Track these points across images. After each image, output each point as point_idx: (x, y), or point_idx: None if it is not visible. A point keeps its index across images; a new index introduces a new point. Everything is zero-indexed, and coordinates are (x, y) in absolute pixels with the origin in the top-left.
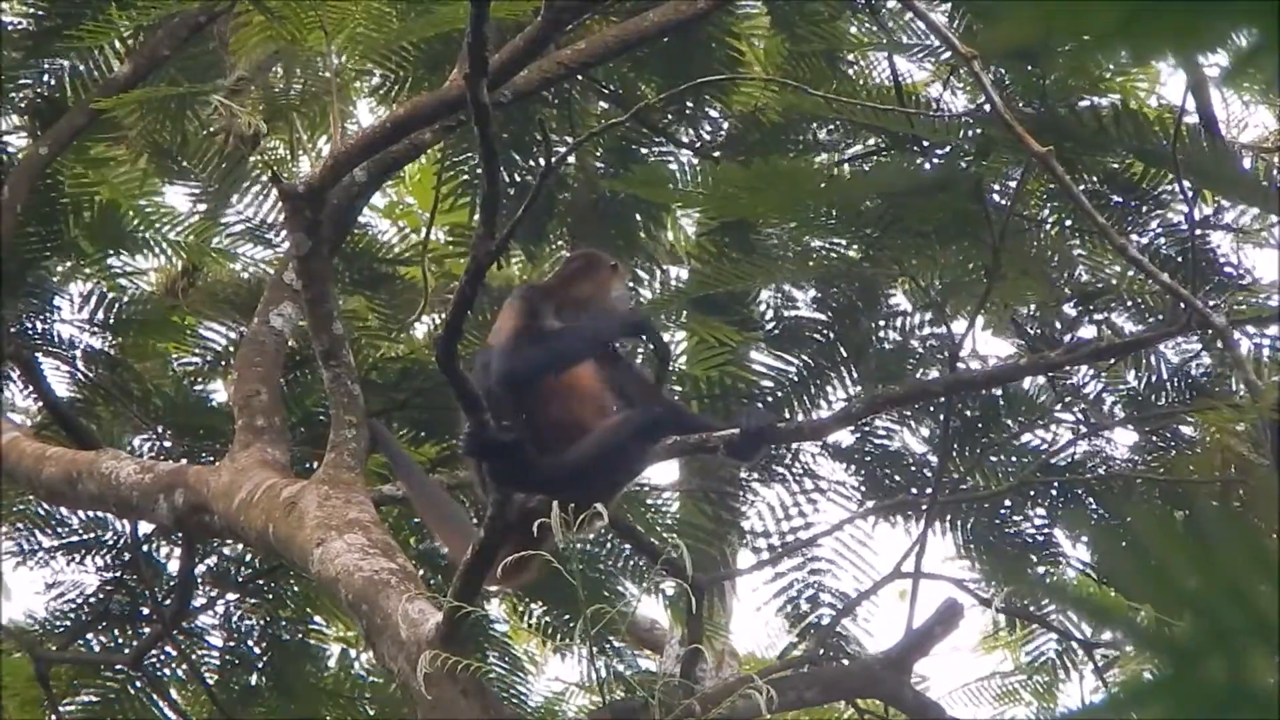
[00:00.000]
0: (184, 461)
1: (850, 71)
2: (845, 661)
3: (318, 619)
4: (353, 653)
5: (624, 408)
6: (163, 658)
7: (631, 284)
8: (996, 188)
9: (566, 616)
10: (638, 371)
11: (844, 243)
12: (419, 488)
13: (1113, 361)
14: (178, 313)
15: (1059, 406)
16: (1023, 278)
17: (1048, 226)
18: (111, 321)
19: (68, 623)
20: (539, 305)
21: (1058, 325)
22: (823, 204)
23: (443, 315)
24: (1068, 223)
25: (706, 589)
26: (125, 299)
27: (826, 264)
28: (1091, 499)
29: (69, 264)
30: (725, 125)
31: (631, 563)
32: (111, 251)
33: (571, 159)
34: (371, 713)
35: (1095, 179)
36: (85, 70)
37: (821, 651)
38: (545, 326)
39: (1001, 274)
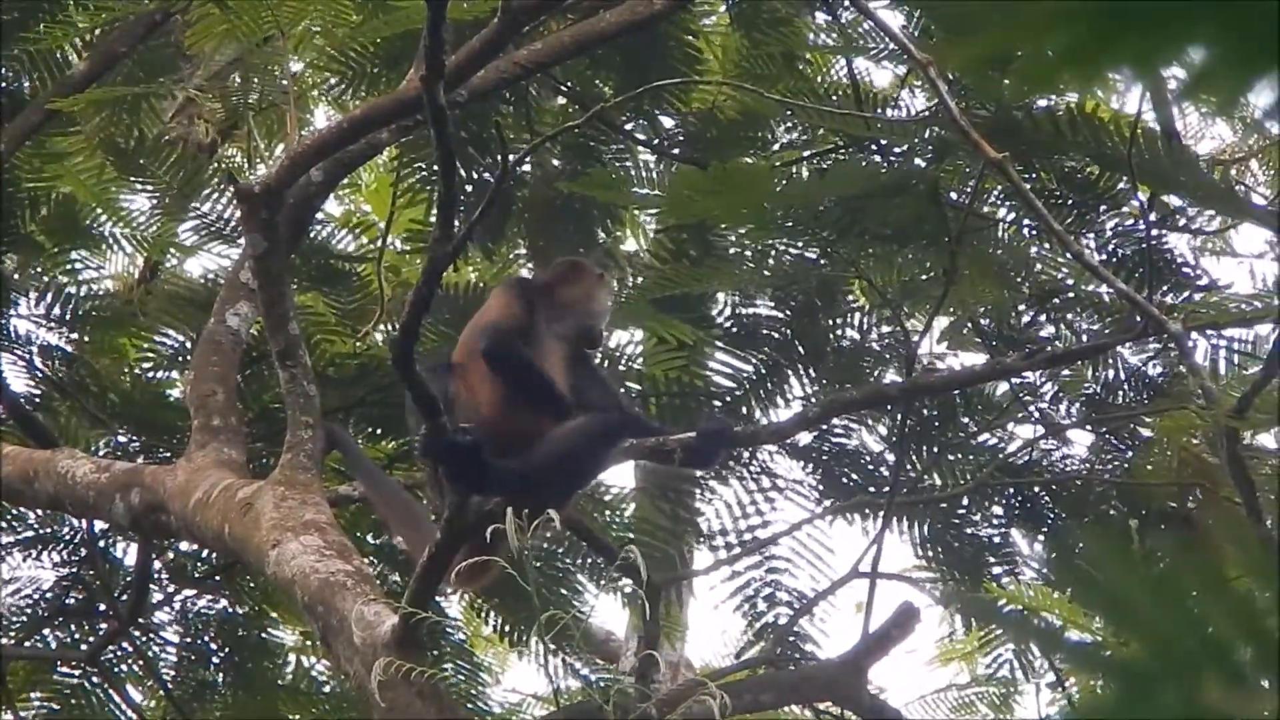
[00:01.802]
0: (141, 459)
1: (809, 71)
2: (802, 664)
3: (275, 616)
4: (307, 660)
5: (584, 412)
6: (119, 654)
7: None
8: (954, 189)
9: (525, 616)
10: (600, 376)
11: (801, 244)
12: (377, 487)
13: (1069, 366)
14: (134, 316)
15: (1017, 407)
16: (980, 279)
17: (1005, 228)
18: (69, 318)
19: (24, 619)
20: (529, 299)
21: (1015, 326)
22: (780, 205)
23: (399, 319)
24: (1025, 224)
25: (664, 589)
26: (83, 295)
27: (784, 266)
28: (1049, 500)
29: (26, 259)
30: (683, 124)
31: (589, 560)
32: (70, 246)
33: (529, 158)
34: (329, 710)
35: (1051, 180)
36: (43, 67)
37: (779, 652)
38: (532, 321)
39: (959, 275)
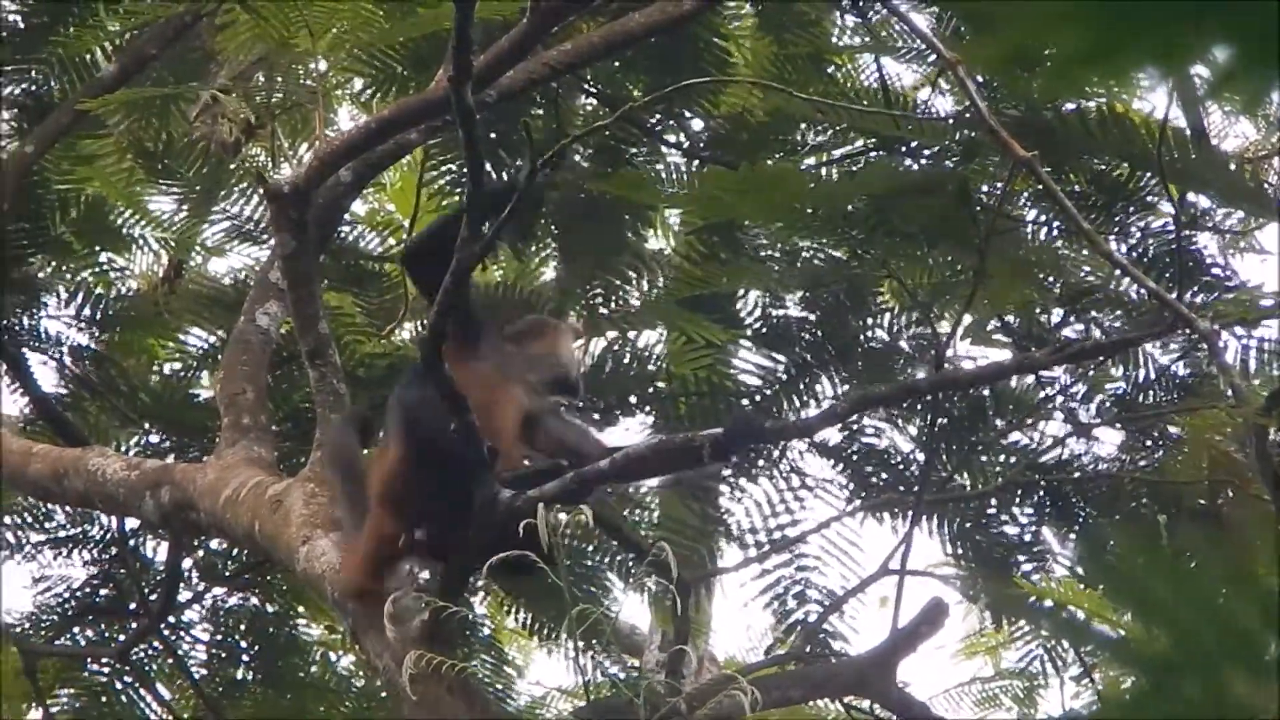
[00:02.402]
0: (171, 458)
1: (837, 74)
2: (831, 660)
3: (304, 613)
4: (335, 656)
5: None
6: (150, 652)
7: (581, 343)
8: (984, 190)
9: (553, 613)
10: (578, 425)
11: (830, 244)
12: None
13: (1100, 361)
14: (160, 316)
15: (1046, 406)
16: (1009, 279)
17: (1034, 229)
18: (99, 318)
19: (55, 617)
20: (487, 338)
21: (1045, 326)
22: (809, 206)
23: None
24: (1053, 225)
25: (694, 586)
26: (112, 296)
27: (813, 265)
28: (1079, 498)
29: (56, 261)
30: (712, 126)
31: (618, 558)
32: (99, 248)
33: (558, 159)
34: (358, 707)
35: (1081, 181)
36: (73, 69)
37: (808, 649)
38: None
39: (988, 275)
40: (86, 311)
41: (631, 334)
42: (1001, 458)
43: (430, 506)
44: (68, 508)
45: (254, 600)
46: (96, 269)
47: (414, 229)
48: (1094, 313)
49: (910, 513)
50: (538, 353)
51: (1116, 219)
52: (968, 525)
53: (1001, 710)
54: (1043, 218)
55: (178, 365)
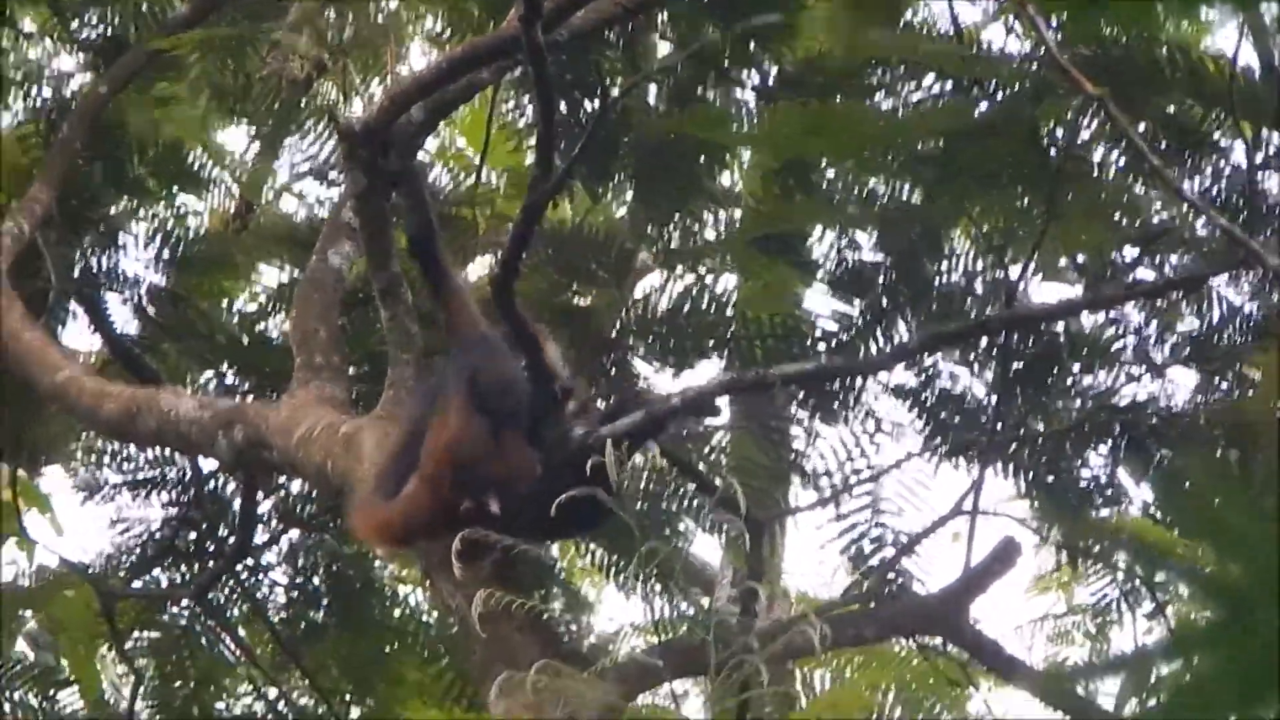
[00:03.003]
0: (249, 399)
1: (910, 14)
2: (904, 599)
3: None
4: (414, 599)
5: None
6: (228, 595)
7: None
8: (1053, 129)
9: (624, 553)
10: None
11: (903, 184)
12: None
13: (1172, 300)
14: (234, 251)
15: (1119, 346)
16: (1081, 219)
17: (1105, 169)
18: (175, 259)
19: (133, 559)
20: None
21: (1116, 266)
22: (881, 145)
23: (498, 255)
24: (1124, 164)
25: (766, 525)
26: (189, 237)
27: (886, 206)
28: (1153, 439)
29: (133, 202)
30: (785, 68)
31: (690, 501)
32: (176, 189)
33: (634, 100)
34: (437, 650)
35: (1152, 122)
36: (148, 9)
37: (882, 590)
38: None
39: (1059, 216)
40: (164, 253)
41: (708, 278)
42: (1076, 402)
43: (494, 468)
44: (146, 450)
45: (331, 542)
46: (173, 210)
47: (484, 163)
48: (1165, 252)
49: (983, 454)
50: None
51: (1188, 159)
52: (1041, 467)
53: (1074, 646)
54: (1113, 157)
55: (253, 306)
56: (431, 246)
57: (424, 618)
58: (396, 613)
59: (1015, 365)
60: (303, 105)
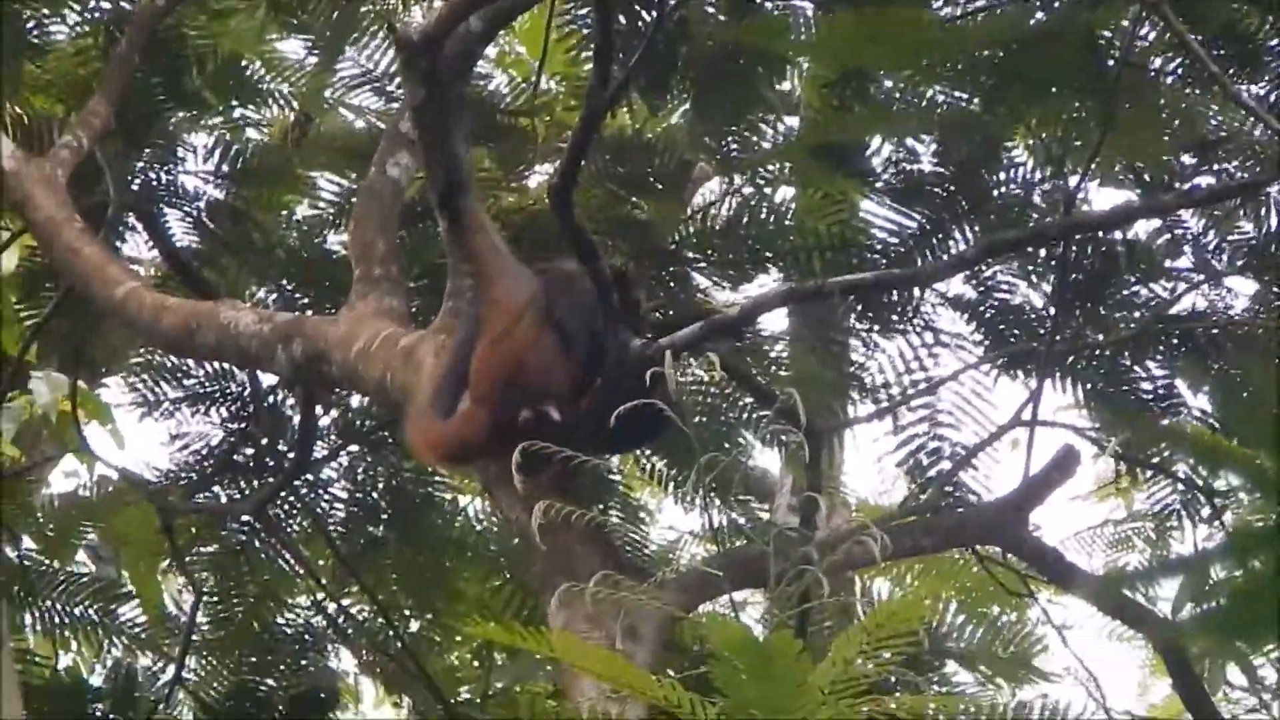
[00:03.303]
0: (308, 313)
1: None
2: (963, 509)
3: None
4: (474, 511)
5: None
6: (287, 510)
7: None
8: (1110, 37)
9: (683, 465)
10: None
11: (961, 94)
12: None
13: (1230, 208)
14: (297, 159)
15: (1177, 255)
16: (1139, 128)
17: (1163, 76)
18: (234, 173)
19: (193, 475)
20: None
21: (1175, 173)
22: (939, 54)
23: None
24: (1180, 73)
25: (825, 436)
26: (248, 150)
27: (944, 114)
28: (1211, 349)
29: (191, 115)
30: None
31: (749, 414)
32: (234, 102)
33: (691, 11)
34: (496, 566)
35: (1209, 29)
36: None
37: (941, 503)
38: None
39: (1116, 125)
40: (223, 166)
41: (766, 189)
42: (1134, 312)
43: (557, 378)
44: (205, 364)
45: (390, 457)
46: (231, 123)
47: (542, 70)
48: (1223, 160)
49: (1041, 365)
50: None
51: (1244, 66)
52: (1100, 377)
53: (1134, 553)
54: (1171, 65)
55: (312, 220)
56: (461, 202)
57: (483, 531)
58: (456, 527)
59: (1073, 276)
60: (360, 14)
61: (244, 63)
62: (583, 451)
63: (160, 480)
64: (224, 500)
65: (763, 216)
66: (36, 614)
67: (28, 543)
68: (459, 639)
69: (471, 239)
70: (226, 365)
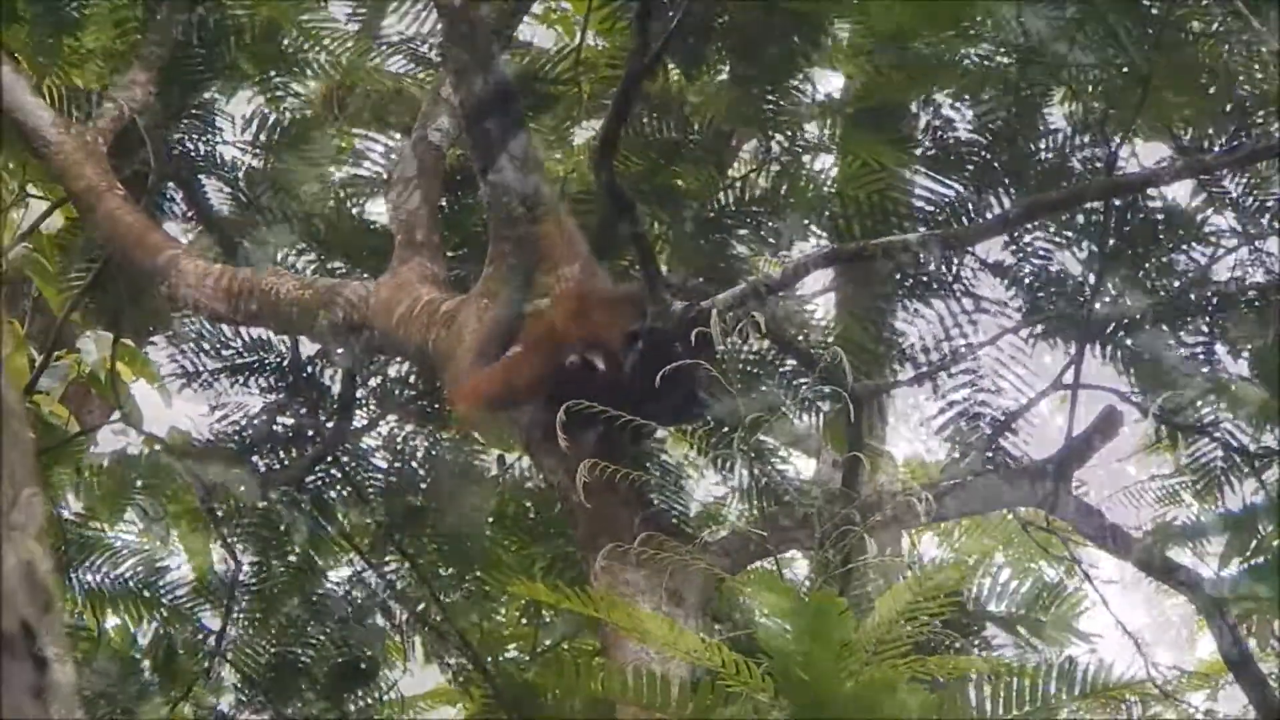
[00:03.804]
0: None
1: None
2: (1006, 471)
3: (480, 441)
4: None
5: None
6: (327, 479)
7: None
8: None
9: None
10: None
11: (1001, 56)
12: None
13: (1273, 165)
14: (336, 128)
15: (1215, 219)
16: (1179, 87)
17: (1205, 36)
18: (272, 143)
19: (232, 445)
20: None
21: (1213, 136)
22: (978, 14)
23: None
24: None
25: (867, 399)
26: (286, 121)
27: (983, 75)
28: (1250, 313)
29: (232, 86)
30: None
31: (789, 381)
32: (272, 73)
33: None
34: (535, 535)
35: None
36: None
37: (983, 466)
38: None
39: (1156, 86)
40: (260, 136)
41: (805, 157)
42: (1172, 279)
43: (605, 330)
44: (244, 334)
45: (429, 428)
46: (269, 93)
47: (587, 25)
48: (1267, 124)
49: (1081, 330)
50: None
51: None
52: (1139, 342)
53: (1181, 508)
54: (1213, 25)
55: (350, 184)
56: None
57: (521, 499)
58: (494, 495)
59: (1111, 241)
60: None
61: (281, 33)
62: (626, 419)
63: (200, 450)
64: (263, 470)
65: (801, 184)
66: (77, 583)
67: (74, 504)
68: (505, 598)
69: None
70: (264, 335)
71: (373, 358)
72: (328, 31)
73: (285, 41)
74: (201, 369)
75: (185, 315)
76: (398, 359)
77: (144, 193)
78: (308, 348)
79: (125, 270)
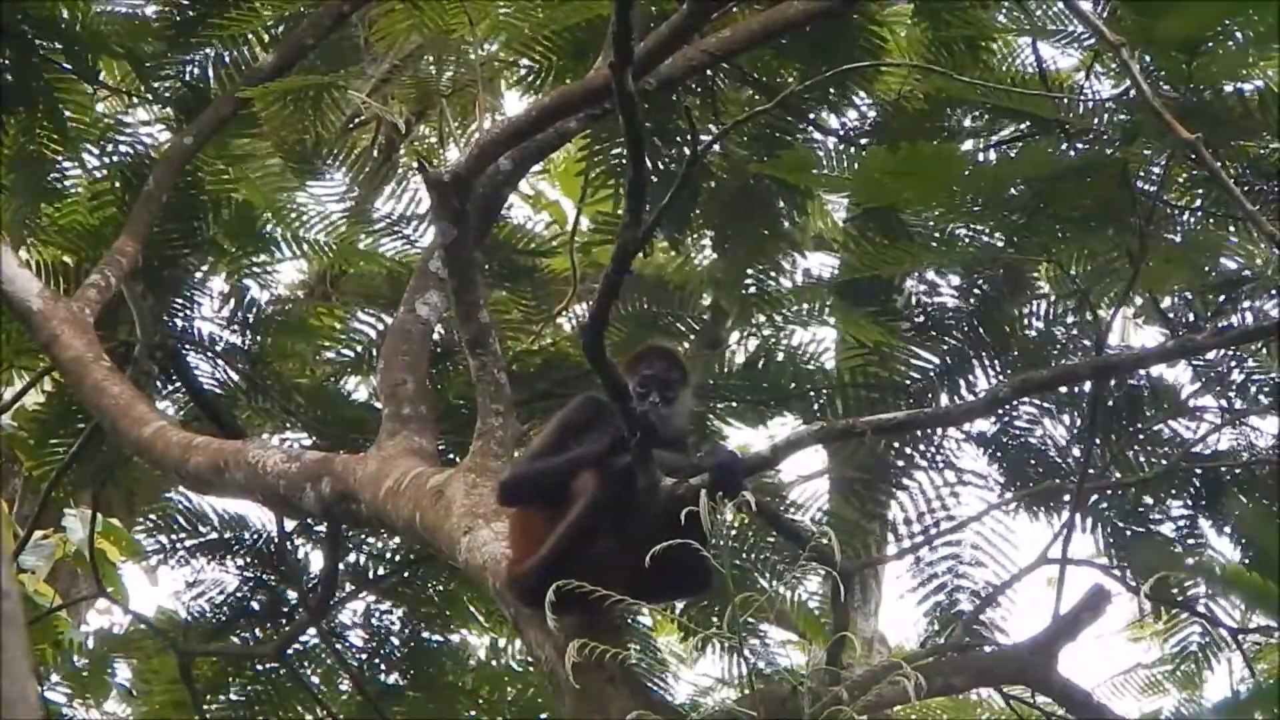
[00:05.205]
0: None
1: (993, 59)
2: (993, 648)
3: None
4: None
5: None
6: (305, 652)
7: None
8: (1142, 174)
9: (714, 606)
10: None
11: (989, 229)
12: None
13: (1260, 346)
14: (328, 306)
15: (1203, 394)
16: (1169, 265)
17: (1194, 213)
18: (251, 321)
19: (211, 622)
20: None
21: (1204, 313)
22: (968, 190)
23: (588, 305)
24: (1213, 211)
25: (854, 575)
26: (264, 299)
27: (972, 250)
28: (1237, 489)
29: (208, 261)
30: (870, 112)
31: (771, 558)
32: (248, 250)
33: (716, 147)
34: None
35: (1240, 166)
36: (230, 60)
37: (966, 641)
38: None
39: (1147, 260)
40: (239, 314)
41: (785, 330)
42: (1158, 449)
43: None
44: (220, 511)
45: (405, 608)
46: (247, 271)
47: (580, 211)
48: (1255, 299)
49: (1068, 500)
50: None
51: (1274, 203)
52: (1124, 518)
53: (1167, 697)
54: (1199, 202)
55: (335, 360)
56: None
57: (501, 676)
58: (470, 676)
59: (1097, 415)
60: (395, 156)
61: (256, 213)
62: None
63: (177, 627)
64: (240, 645)
65: (779, 359)
66: None
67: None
68: None
69: None
70: (241, 513)
71: (361, 530)
72: (308, 214)
73: (260, 221)
74: (178, 546)
75: (169, 489)
76: (383, 531)
77: (130, 363)
78: (285, 523)
79: (112, 442)
